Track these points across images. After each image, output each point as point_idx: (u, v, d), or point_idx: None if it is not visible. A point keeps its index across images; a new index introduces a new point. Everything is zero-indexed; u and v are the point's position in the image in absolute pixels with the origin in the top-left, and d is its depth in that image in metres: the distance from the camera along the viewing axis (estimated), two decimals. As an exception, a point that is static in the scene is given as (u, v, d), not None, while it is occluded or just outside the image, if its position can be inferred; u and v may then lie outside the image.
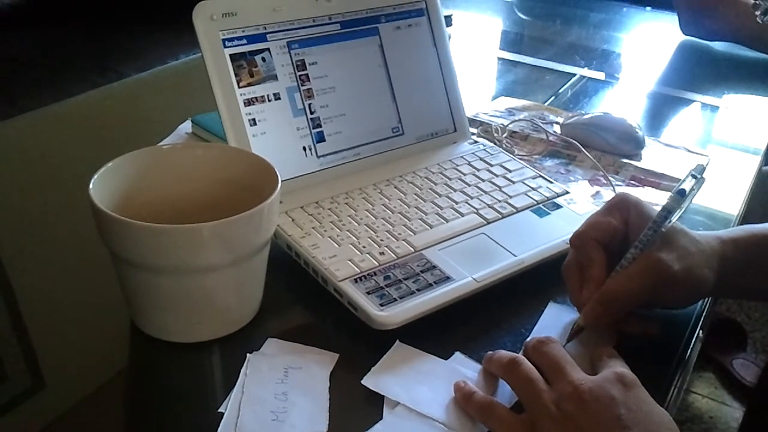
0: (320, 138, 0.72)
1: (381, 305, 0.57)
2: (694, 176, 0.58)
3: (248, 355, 0.55)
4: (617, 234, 0.59)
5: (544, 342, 0.52)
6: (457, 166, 0.77)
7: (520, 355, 0.52)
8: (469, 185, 0.74)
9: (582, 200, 0.74)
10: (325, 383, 0.53)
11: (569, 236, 0.60)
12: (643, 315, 0.59)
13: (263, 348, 0.56)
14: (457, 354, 0.56)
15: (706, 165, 0.57)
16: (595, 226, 0.59)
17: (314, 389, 0.52)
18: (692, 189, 0.57)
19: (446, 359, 0.56)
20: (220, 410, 0.50)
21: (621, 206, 0.60)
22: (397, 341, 0.56)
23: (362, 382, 0.52)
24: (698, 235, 0.59)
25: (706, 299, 0.65)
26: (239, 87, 0.67)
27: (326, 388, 0.52)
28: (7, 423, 0.51)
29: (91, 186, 0.53)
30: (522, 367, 0.50)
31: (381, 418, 0.50)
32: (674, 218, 0.56)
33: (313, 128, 0.72)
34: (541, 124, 0.92)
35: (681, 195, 0.56)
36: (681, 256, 0.56)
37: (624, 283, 0.56)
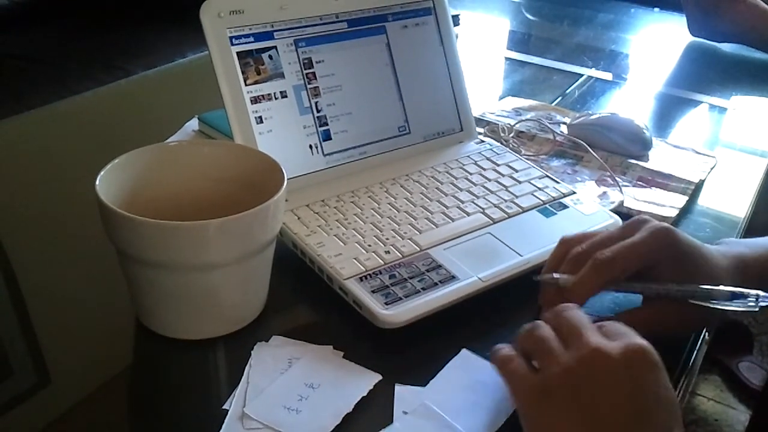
0: (326, 136, 0.72)
1: (386, 304, 0.57)
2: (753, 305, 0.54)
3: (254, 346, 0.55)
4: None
5: (564, 308, 0.49)
6: (464, 165, 0.77)
7: (539, 321, 0.49)
8: (476, 185, 0.74)
9: (588, 201, 0.74)
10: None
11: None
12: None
13: (268, 346, 0.56)
14: (464, 351, 0.56)
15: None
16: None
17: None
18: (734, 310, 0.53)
19: (451, 358, 0.55)
20: (224, 407, 0.50)
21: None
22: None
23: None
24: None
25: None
26: (246, 85, 0.67)
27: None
28: (13, 419, 0.51)
29: (97, 182, 0.53)
30: (539, 330, 0.48)
31: (390, 417, 0.50)
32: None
33: (320, 126, 0.71)
34: (548, 124, 0.92)
35: (729, 299, 0.53)
36: (692, 238, 0.55)
37: (625, 243, 0.54)
